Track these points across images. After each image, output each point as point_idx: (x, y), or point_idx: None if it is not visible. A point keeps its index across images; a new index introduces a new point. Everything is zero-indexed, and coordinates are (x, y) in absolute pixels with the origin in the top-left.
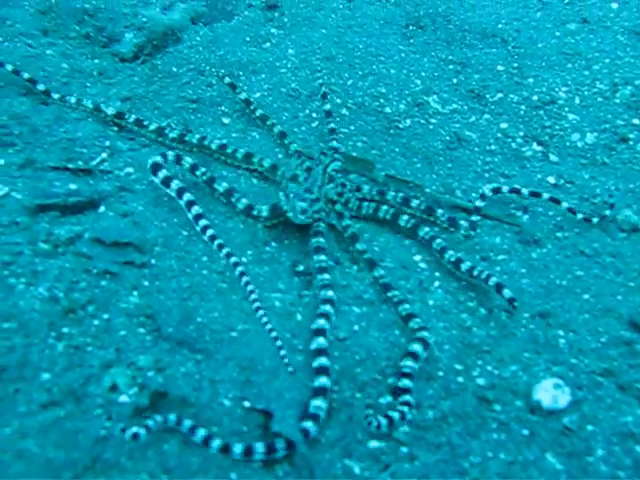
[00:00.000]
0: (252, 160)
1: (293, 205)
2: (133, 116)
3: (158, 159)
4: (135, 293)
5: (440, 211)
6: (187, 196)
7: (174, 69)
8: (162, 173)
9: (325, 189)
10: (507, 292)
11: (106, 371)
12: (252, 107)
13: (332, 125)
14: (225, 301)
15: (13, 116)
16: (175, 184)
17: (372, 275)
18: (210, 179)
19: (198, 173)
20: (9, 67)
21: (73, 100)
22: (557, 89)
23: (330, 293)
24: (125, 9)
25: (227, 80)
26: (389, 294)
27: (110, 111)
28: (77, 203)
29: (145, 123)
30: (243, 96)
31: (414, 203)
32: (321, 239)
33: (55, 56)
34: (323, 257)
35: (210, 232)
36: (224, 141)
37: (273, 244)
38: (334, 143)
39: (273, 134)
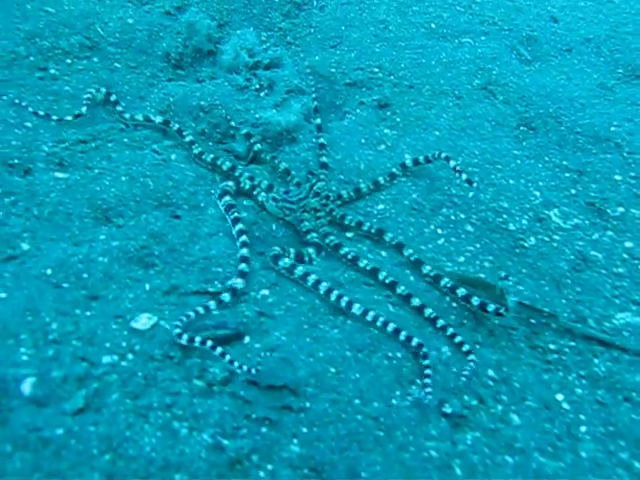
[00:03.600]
0: None
1: (267, 197)
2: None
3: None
4: (295, 441)
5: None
6: None
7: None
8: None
9: (309, 201)
10: None
11: None
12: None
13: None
14: (384, 452)
15: (152, 234)
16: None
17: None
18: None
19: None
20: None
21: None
22: None
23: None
24: (239, 105)
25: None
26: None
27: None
28: (225, 334)
29: None
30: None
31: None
32: (313, 234)
33: (179, 160)
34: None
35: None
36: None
37: (418, 381)
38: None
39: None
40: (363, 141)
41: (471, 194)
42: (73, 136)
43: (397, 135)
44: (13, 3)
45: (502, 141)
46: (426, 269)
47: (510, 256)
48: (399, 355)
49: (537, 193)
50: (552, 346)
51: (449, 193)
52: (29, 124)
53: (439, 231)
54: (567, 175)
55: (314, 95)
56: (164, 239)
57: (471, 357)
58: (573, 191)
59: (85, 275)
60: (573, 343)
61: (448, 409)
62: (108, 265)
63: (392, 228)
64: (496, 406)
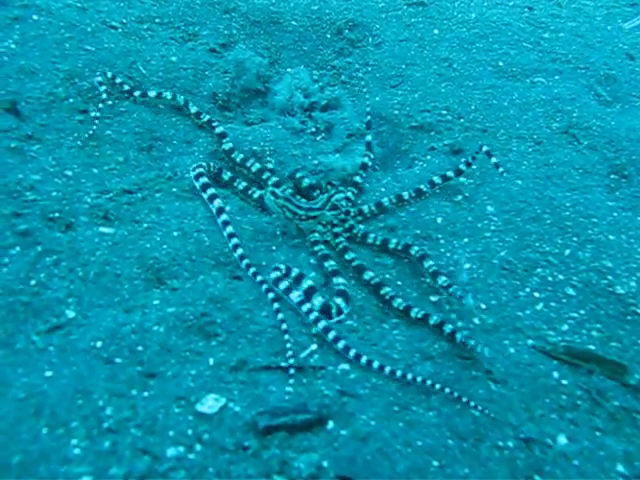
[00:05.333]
0: None
1: (267, 190)
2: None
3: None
4: None
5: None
6: None
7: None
8: None
9: (324, 212)
10: None
11: None
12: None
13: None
14: None
15: (212, 299)
16: None
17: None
18: None
19: None
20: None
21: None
22: None
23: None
24: (295, 150)
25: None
26: None
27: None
28: (306, 420)
29: None
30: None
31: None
32: (322, 246)
33: (234, 212)
34: (332, 262)
35: None
36: None
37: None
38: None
39: None
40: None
41: (568, 251)
42: (117, 185)
43: (474, 184)
44: (51, 41)
45: (593, 191)
46: (530, 342)
47: (621, 324)
48: (510, 444)
49: None
50: None
51: (542, 250)
52: (69, 172)
53: (536, 295)
54: None
55: (368, 109)
56: (226, 304)
57: None
58: None
59: (140, 348)
60: None
61: None
62: (165, 335)
63: (482, 291)
64: None
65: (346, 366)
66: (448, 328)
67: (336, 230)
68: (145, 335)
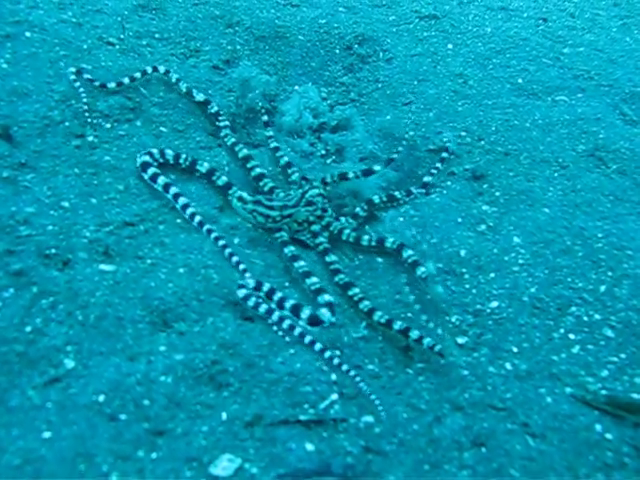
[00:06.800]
0: None
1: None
2: None
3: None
4: None
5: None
6: None
7: (379, 259)
8: None
9: (299, 209)
10: None
11: None
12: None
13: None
14: None
15: (223, 345)
16: None
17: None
18: None
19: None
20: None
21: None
22: None
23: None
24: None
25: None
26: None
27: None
28: None
29: None
30: None
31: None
32: (292, 247)
33: (243, 245)
34: (303, 263)
35: None
36: None
37: None
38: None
39: None
40: (460, 220)
41: (603, 288)
42: (118, 217)
43: (499, 213)
44: (45, 60)
45: (626, 220)
46: (568, 390)
47: None
48: None
49: None
50: None
51: (575, 286)
52: (66, 203)
53: (571, 336)
54: None
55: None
56: (238, 350)
57: None
58: None
59: (146, 402)
60: None
61: None
62: (173, 387)
63: (513, 332)
64: None
65: (370, 418)
66: (414, 334)
67: (314, 228)
68: (152, 387)
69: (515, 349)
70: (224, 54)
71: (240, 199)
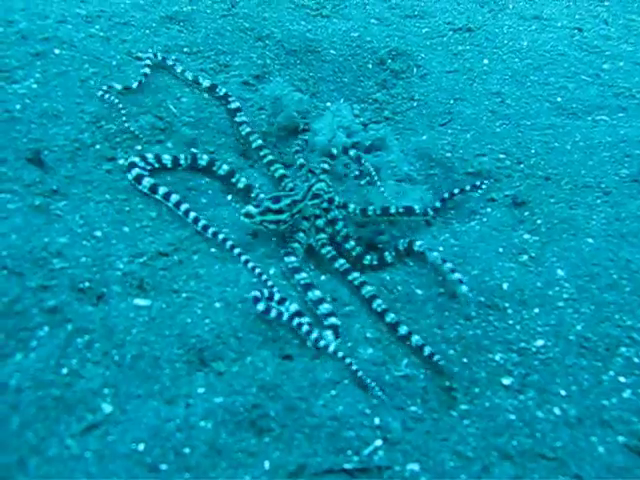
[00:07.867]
0: None
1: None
2: None
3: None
4: None
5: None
6: None
7: (418, 291)
8: None
9: (306, 203)
10: None
11: None
12: None
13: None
14: None
15: (262, 387)
16: None
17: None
18: None
19: None
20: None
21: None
22: None
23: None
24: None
25: None
26: None
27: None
28: None
29: None
30: None
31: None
32: (292, 258)
33: (278, 275)
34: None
35: None
36: None
37: None
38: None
39: None
40: (501, 250)
41: None
42: (151, 247)
43: (540, 242)
44: (75, 79)
45: None
46: (621, 439)
47: None
48: None
49: None
50: None
51: (623, 324)
52: (99, 233)
53: (622, 379)
54: None
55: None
56: (279, 392)
57: None
58: None
59: (186, 450)
60: None
61: None
62: (213, 433)
63: (560, 374)
64: None
65: (415, 466)
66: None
67: (318, 223)
68: (191, 433)
69: (563, 392)
70: (254, 69)
71: (247, 215)
